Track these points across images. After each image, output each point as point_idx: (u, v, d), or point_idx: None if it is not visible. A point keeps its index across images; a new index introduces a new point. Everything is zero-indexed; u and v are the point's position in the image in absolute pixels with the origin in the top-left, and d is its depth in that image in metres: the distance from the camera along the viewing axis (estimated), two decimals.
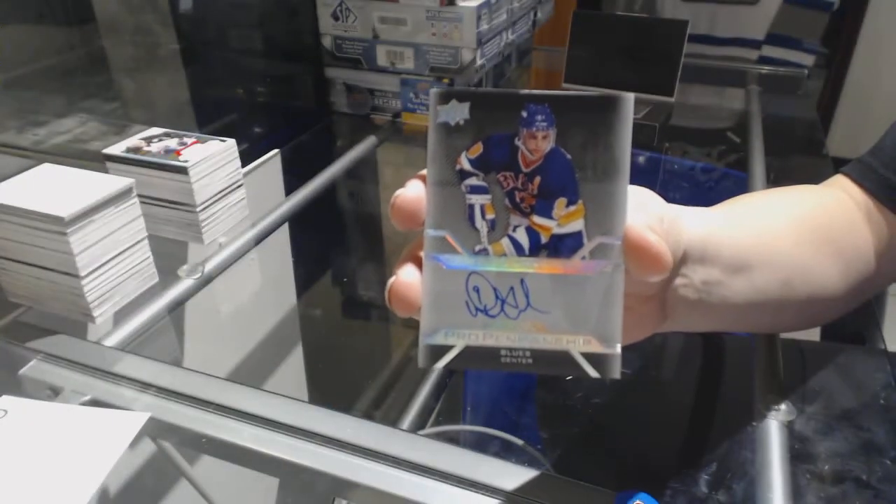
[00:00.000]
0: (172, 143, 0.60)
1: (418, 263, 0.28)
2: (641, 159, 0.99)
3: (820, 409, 0.49)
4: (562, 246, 0.27)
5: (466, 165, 0.27)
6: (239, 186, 0.63)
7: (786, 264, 0.40)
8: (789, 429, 0.43)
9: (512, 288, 0.27)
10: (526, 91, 0.26)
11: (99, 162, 0.59)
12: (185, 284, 0.60)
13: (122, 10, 0.73)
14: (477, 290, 0.27)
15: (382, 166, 1.01)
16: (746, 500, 0.41)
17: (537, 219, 0.27)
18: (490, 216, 0.27)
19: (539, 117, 0.26)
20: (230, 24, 0.88)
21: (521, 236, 0.27)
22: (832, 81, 2.14)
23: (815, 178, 0.51)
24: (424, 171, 0.28)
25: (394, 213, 0.27)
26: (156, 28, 0.76)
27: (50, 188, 0.49)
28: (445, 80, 0.92)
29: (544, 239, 0.27)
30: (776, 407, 0.44)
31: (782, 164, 0.93)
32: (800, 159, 1.05)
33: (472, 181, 0.27)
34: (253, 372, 0.85)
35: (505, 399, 0.80)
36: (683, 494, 0.48)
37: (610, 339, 0.27)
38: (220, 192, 0.61)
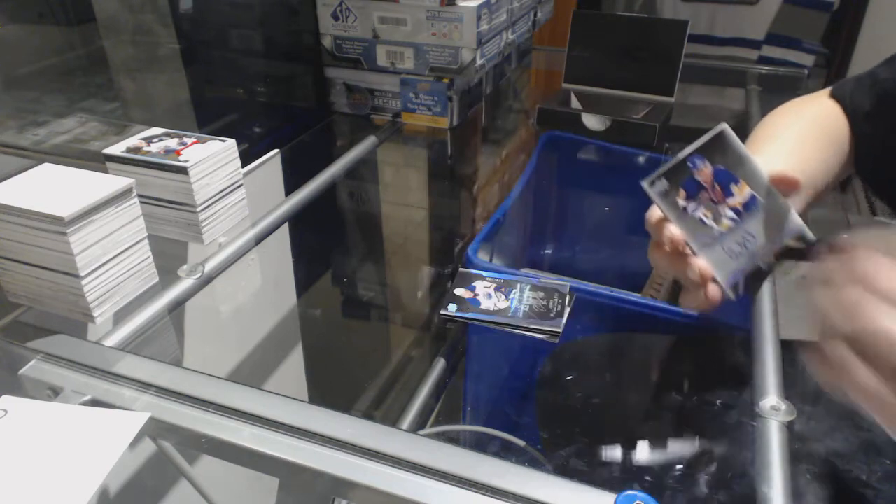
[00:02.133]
0: (172, 143, 0.60)
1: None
2: (641, 159, 0.99)
3: (820, 409, 0.49)
4: (749, 205, 0.50)
5: (683, 203, 0.50)
6: (239, 186, 0.63)
7: (819, 158, 0.60)
8: (789, 429, 0.43)
9: (742, 234, 0.51)
10: (684, 154, 0.50)
11: (99, 162, 0.59)
12: (185, 284, 0.60)
13: (122, 10, 0.73)
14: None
15: (382, 166, 1.01)
16: (746, 500, 0.41)
17: (729, 200, 0.50)
18: (710, 215, 0.50)
19: (697, 160, 0.50)
20: (230, 24, 0.88)
21: (731, 214, 0.50)
22: (832, 81, 2.14)
23: None
24: (659, 220, 0.50)
25: (670, 245, 0.49)
26: (156, 28, 0.76)
27: (50, 188, 0.49)
28: (445, 80, 0.92)
29: (741, 208, 0.50)
30: (776, 407, 0.44)
31: None
32: None
33: (691, 205, 0.50)
34: (253, 372, 0.85)
35: (505, 399, 0.80)
36: (683, 494, 0.48)
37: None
38: (220, 192, 0.61)
